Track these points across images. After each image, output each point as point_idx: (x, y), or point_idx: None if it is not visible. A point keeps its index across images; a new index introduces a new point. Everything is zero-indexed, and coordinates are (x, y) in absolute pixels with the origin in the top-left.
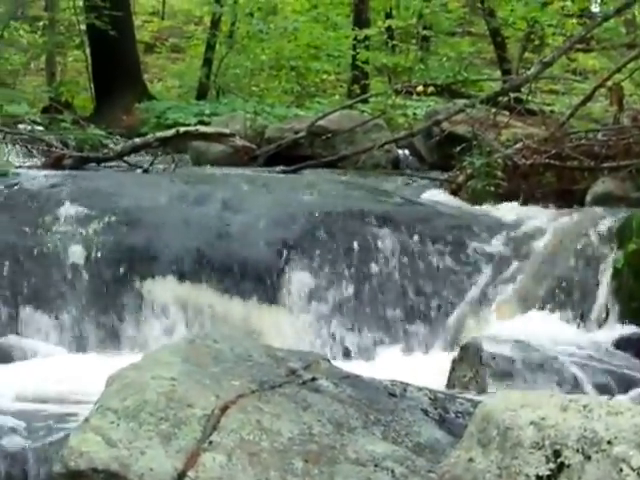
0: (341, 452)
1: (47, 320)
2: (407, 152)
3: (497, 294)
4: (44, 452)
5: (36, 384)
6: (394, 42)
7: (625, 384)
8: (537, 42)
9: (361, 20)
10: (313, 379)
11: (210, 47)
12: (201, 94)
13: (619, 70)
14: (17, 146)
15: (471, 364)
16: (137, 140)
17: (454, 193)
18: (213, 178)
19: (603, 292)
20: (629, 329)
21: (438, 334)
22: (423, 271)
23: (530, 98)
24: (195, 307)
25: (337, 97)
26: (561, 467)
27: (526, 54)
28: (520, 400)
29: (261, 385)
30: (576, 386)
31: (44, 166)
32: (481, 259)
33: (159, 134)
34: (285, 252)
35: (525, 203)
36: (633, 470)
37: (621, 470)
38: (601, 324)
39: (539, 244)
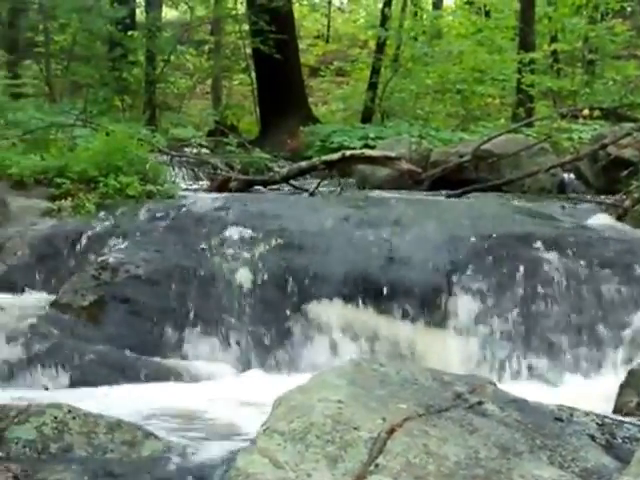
0: (507, 476)
1: (213, 342)
2: (572, 176)
3: None
4: (212, 472)
5: (203, 405)
6: (559, 65)
7: None
8: None
9: (526, 43)
10: (479, 403)
11: (375, 70)
12: (366, 117)
13: None
14: (184, 169)
15: (638, 389)
16: (303, 163)
17: (620, 217)
18: (378, 201)
19: None
20: None
21: (605, 358)
22: (590, 295)
23: None
24: (360, 330)
25: (502, 121)
26: None
27: None
28: None
29: (427, 409)
30: None
31: (210, 189)
32: None
33: (325, 157)
34: (451, 276)
35: None
36: None
37: None
38: None
39: None
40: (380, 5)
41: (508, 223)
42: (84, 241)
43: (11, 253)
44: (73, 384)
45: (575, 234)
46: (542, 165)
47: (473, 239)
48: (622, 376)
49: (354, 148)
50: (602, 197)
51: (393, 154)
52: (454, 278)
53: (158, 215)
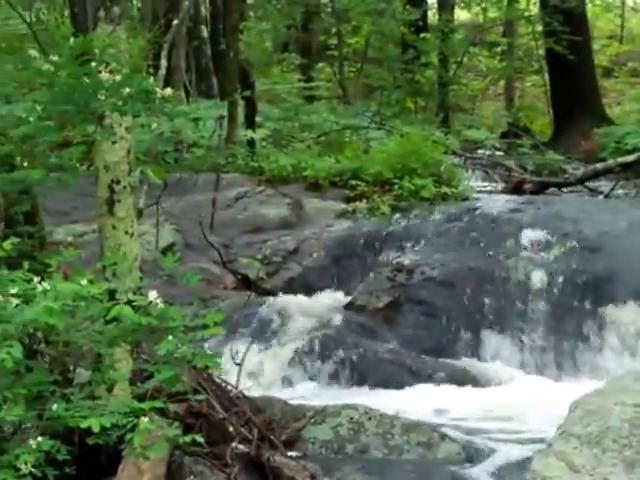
0: None
1: (508, 345)
2: None
3: None
4: (506, 475)
5: (497, 408)
6: None
7: None
8: None
9: None
10: None
11: None
12: None
13: None
14: (477, 171)
15: None
16: (598, 165)
17: None
18: None
19: None
20: None
21: None
22: None
23: None
24: None
25: None
26: None
27: None
28: None
29: None
30: None
31: (504, 190)
32: None
33: (620, 159)
34: None
35: None
36: None
37: None
38: None
39: None
40: None
41: None
42: (379, 243)
43: (307, 254)
44: (368, 385)
45: None
46: None
47: None
48: None
49: None
50: None
51: None
52: None
53: (452, 217)
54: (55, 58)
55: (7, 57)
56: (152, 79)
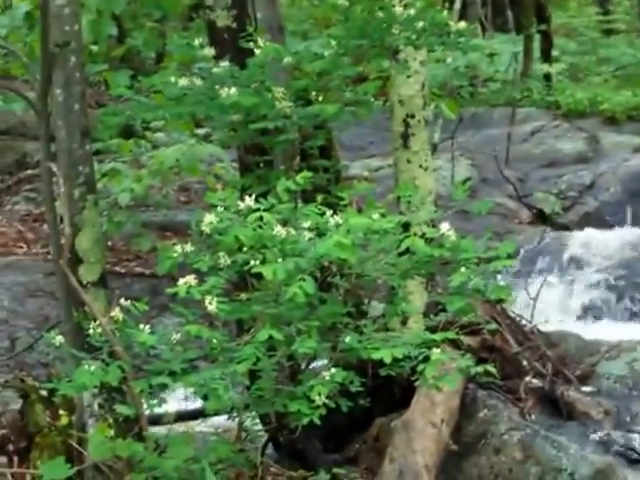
0: None
1: None
2: None
3: None
4: None
5: None
6: None
7: None
8: None
9: None
10: None
11: None
12: None
13: None
14: None
15: None
16: None
17: None
18: None
19: None
20: None
21: None
22: None
23: None
24: None
25: None
26: None
27: None
28: None
29: None
30: None
31: None
32: None
33: None
34: None
35: None
36: None
37: None
38: None
39: None
40: None
41: None
42: None
43: (603, 189)
44: None
45: None
46: None
47: None
48: None
49: None
50: None
51: None
52: None
53: None
54: None
55: None
56: (446, 13)
